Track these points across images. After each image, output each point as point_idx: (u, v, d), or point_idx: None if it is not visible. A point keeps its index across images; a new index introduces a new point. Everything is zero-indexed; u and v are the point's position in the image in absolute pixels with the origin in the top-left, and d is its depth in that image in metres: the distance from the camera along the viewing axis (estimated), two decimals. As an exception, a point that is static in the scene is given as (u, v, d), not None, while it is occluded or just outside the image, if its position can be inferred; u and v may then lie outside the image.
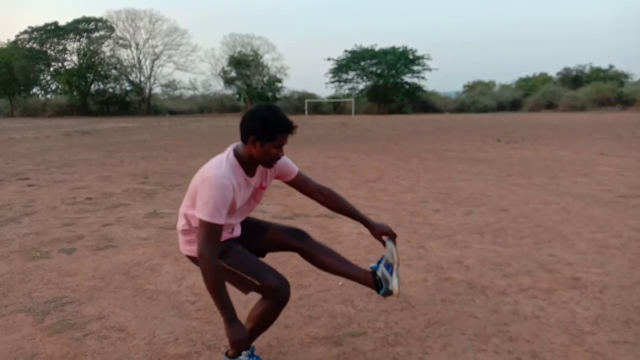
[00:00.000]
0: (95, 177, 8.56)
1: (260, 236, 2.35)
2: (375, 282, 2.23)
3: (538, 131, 20.15)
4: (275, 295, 2.15)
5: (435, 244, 4.34)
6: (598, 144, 13.94)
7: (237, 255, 2.14)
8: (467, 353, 2.46)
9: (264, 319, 2.21)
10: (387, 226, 2.30)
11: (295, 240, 2.31)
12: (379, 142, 15.86)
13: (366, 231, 4.80)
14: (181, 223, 2.22)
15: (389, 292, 2.19)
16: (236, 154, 2.09)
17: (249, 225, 2.35)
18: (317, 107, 54.48)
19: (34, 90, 54.41)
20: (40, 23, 50.74)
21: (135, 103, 52.61)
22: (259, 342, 2.56)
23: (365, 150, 13.11)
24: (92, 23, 50.99)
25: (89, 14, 57.52)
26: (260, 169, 2.18)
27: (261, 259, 2.28)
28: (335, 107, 55.18)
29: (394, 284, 2.17)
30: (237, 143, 2.14)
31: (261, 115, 2.00)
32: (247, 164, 2.10)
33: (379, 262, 2.26)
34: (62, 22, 50.63)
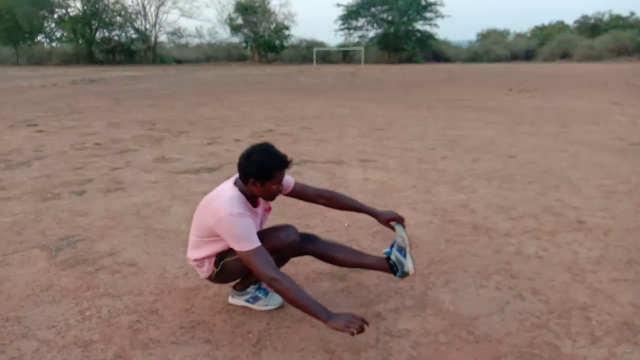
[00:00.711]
0: (104, 123, 8.57)
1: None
2: (391, 267, 2.28)
3: (551, 81, 19.70)
4: (290, 248, 2.26)
5: (442, 189, 4.36)
6: (612, 94, 13.63)
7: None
8: (468, 289, 2.52)
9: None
10: (392, 212, 2.36)
11: (306, 245, 2.33)
12: (388, 92, 15.62)
13: (372, 176, 4.83)
14: (193, 255, 2.27)
15: (405, 274, 2.25)
16: (240, 189, 2.15)
17: (259, 236, 2.34)
18: (326, 56, 53.36)
19: (39, 38, 53.63)
20: (42, -33, 49.17)
21: (141, 52, 51.79)
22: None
23: (374, 100, 12.93)
24: (95, -33, 49.45)
25: (90, -43, 55.60)
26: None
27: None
28: (345, 56, 54.00)
29: (409, 266, 2.23)
30: (236, 177, 2.19)
31: (257, 158, 2.07)
32: (250, 198, 2.17)
33: (392, 247, 2.31)
34: (63, -34, 49.16)
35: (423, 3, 51.66)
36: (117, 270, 2.75)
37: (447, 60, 52.22)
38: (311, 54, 50.23)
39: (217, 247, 2.18)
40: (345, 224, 3.46)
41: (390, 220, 2.35)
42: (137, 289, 2.55)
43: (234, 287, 2.40)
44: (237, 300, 2.39)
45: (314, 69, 35.19)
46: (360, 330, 1.81)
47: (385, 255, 2.32)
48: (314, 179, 4.68)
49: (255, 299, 2.36)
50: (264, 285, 2.44)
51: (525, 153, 5.87)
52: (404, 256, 2.24)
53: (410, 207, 3.85)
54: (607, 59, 44.88)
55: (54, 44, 54.38)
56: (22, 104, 11.93)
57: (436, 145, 6.40)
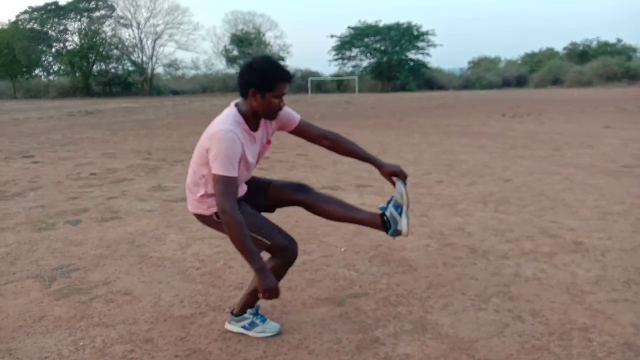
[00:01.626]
0: (99, 154, 8.59)
1: (264, 193, 2.31)
2: (383, 223, 2.18)
3: (543, 106, 19.97)
4: (284, 254, 2.17)
5: (438, 213, 4.36)
6: (603, 118, 13.82)
7: (248, 216, 2.11)
8: (467, 312, 2.49)
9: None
10: (397, 166, 2.23)
11: (297, 194, 2.28)
12: (382, 119, 15.78)
13: (369, 201, 4.84)
14: (190, 178, 2.19)
15: (397, 232, 2.14)
16: (239, 109, 2.07)
17: (252, 183, 2.33)
18: (321, 86, 54.07)
19: (36, 71, 54.22)
20: (41, 2, 50.24)
21: (137, 83, 52.34)
22: (263, 304, 2.59)
23: (369, 127, 13.06)
24: (93, 2, 50.41)
25: (88, -7, 56.76)
26: (263, 123, 2.16)
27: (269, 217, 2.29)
28: (339, 85, 54.73)
29: (403, 224, 2.12)
30: (238, 100, 2.12)
31: (258, 66, 1.99)
32: (250, 118, 2.08)
33: (388, 203, 2.19)
34: (62, 2, 50.17)
35: (415, 33, 52.82)
36: (112, 299, 2.71)
37: (440, 87, 53.00)
38: (306, 83, 50.91)
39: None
40: (342, 249, 3.44)
41: (392, 173, 2.23)
42: (132, 317, 2.51)
43: (231, 312, 2.37)
44: (234, 327, 2.35)
45: (309, 98, 35.58)
46: (267, 298, 2.01)
47: (380, 211, 2.21)
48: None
49: (252, 325, 2.31)
50: (261, 310, 2.41)
51: (519, 176, 5.90)
52: (400, 214, 2.13)
53: (406, 231, 3.84)
54: (596, 85, 45.64)
55: (51, 77, 54.94)
56: (19, 136, 11.97)
57: (431, 170, 6.43)
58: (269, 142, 2.25)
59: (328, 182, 5.80)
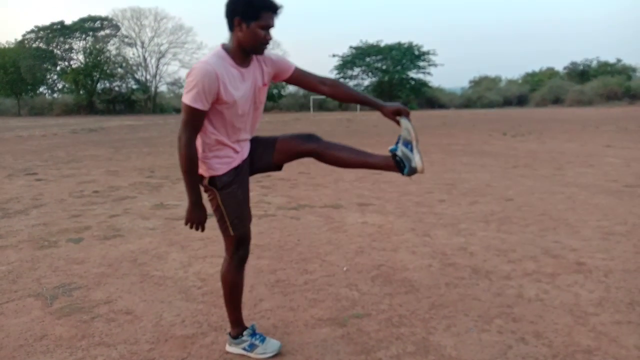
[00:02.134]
0: (102, 171, 8.62)
1: (270, 149, 2.22)
2: (397, 164, 2.13)
3: (544, 125, 20.05)
4: (237, 251, 2.22)
5: (440, 232, 4.35)
6: (604, 137, 13.86)
7: (234, 198, 2.14)
8: (470, 333, 2.48)
9: (227, 281, 2.26)
10: (398, 104, 2.19)
11: (308, 143, 2.18)
12: (384, 137, 15.83)
13: (370, 220, 4.83)
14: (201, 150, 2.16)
15: (412, 170, 2.09)
16: (224, 47, 2.03)
17: (258, 142, 2.26)
18: (323, 104, 54.34)
19: (41, 89, 54.73)
20: (47, 22, 50.97)
21: (141, 101, 52.73)
22: (265, 324, 2.59)
23: (371, 145, 13.10)
24: (98, 22, 51.15)
25: (94, 12, 57.53)
26: (256, 63, 2.10)
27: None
28: (341, 103, 55.00)
29: (416, 160, 2.07)
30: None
31: None
32: (236, 53, 2.01)
33: (397, 143, 2.14)
34: (68, 21, 50.89)
35: (416, 52, 53.34)
36: (113, 319, 2.71)
37: (441, 106, 53.25)
38: (308, 102, 51.25)
39: (211, 136, 2.07)
40: (344, 268, 3.43)
41: (394, 112, 2.18)
42: (133, 337, 2.49)
43: (229, 334, 2.36)
44: (235, 349, 2.34)
45: (311, 116, 35.79)
46: (190, 227, 2.10)
47: (390, 154, 2.16)
48: (313, 224, 4.68)
49: (252, 347, 2.30)
50: (258, 330, 2.41)
51: (521, 196, 5.90)
52: (411, 150, 2.07)
53: (409, 250, 3.84)
54: (597, 104, 45.85)
55: (55, 95, 55.42)
56: (22, 153, 12.03)
57: (433, 189, 6.44)
58: (265, 84, 2.17)
59: (330, 200, 5.81)
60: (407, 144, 2.10)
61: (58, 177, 8.05)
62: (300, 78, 2.25)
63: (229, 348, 2.36)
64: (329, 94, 2.28)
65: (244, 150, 2.18)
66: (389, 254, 3.74)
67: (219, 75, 1.93)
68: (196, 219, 2.08)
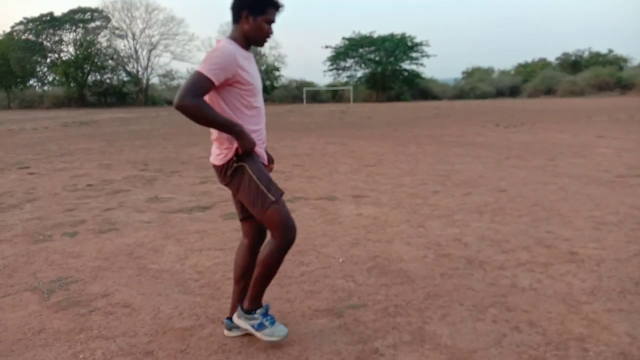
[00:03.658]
0: (95, 165, 8.58)
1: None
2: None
3: (536, 116, 20.15)
4: (285, 225, 2.17)
5: (435, 223, 4.39)
6: (596, 127, 13.96)
7: (260, 165, 2.22)
8: (465, 322, 2.51)
9: (270, 264, 2.23)
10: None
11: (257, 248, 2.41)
12: (377, 129, 15.86)
13: (365, 211, 4.85)
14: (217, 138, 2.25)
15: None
16: (231, 37, 2.18)
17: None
18: (316, 96, 54.30)
19: (31, 82, 54.19)
20: (36, 13, 50.33)
21: (132, 94, 52.39)
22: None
23: (364, 137, 13.12)
24: (88, 13, 50.59)
25: (84, 4, 57.05)
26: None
27: None
28: (334, 95, 54.98)
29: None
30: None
31: None
32: (241, 43, 2.18)
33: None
34: (57, 13, 50.29)
35: (409, 44, 53.24)
36: (111, 312, 2.72)
37: (434, 97, 53.29)
38: (301, 93, 51.14)
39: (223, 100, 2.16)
40: (340, 260, 3.46)
41: None
42: (132, 330, 2.51)
43: (241, 306, 2.35)
44: (242, 323, 2.33)
45: (304, 108, 35.72)
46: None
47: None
48: (308, 216, 4.69)
49: (261, 327, 2.31)
50: (271, 312, 2.43)
51: (514, 187, 5.95)
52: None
53: (404, 241, 3.87)
54: (589, 94, 46.09)
55: (45, 88, 54.89)
56: (14, 147, 11.94)
57: (427, 180, 6.47)
58: None
59: (325, 192, 5.83)
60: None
61: (51, 170, 8.01)
62: None
63: (236, 320, 2.35)
64: None
65: (263, 155, 2.32)
66: (384, 245, 3.77)
67: (238, 58, 2.09)
68: (249, 143, 2.12)
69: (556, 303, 2.72)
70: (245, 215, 2.38)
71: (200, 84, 2.01)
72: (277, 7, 2.17)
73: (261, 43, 2.22)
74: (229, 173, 2.21)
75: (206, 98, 2.12)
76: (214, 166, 2.28)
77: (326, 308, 2.71)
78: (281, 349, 2.29)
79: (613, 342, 2.29)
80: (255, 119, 2.24)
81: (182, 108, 1.99)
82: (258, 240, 2.41)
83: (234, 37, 2.18)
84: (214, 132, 2.23)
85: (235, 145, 2.16)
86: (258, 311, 2.33)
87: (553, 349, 2.25)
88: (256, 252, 2.38)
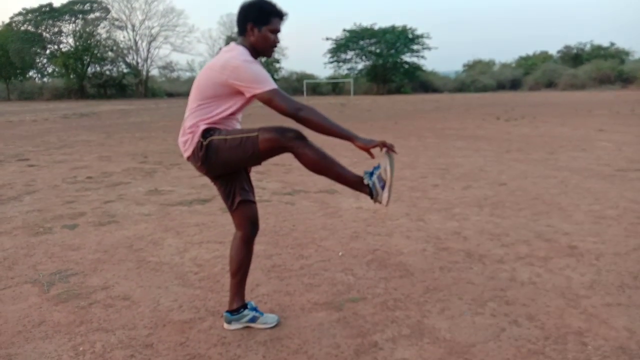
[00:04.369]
0: (95, 157, 8.57)
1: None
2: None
3: (537, 109, 20.11)
4: (281, 138, 2.14)
5: (434, 217, 4.39)
6: (597, 121, 13.93)
7: (227, 129, 2.23)
8: (464, 316, 2.52)
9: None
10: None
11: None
12: (378, 121, 15.84)
13: (365, 205, 4.85)
14: (189, 123, 2.22)
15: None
16: (243, 46, 2.20)
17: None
18: (316, 88, 54.15)
19: (30, 73, 54.00)
20: (35, 4, 50.06)
21: (132, 86, 52.22)
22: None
23: (365, 130, 13.09)
24: (87, 4, 50.26)
25: (83, -5, 56.51)
26: None
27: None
28: (334, 87, 54.85)
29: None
30: (237, 41, 2.24)
31: (256, 2, 2.19)
32: (251, 54, 2.20)
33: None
34: (56, 4, 49.99)
35: (410, 36, 52.99)
36: (111, 304, 2.72)
37: (435, 90, 53.17)
38: (302, 86, 51.00)
39: (219, 108, 2.18)
40: (340, 253, 3.46)
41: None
42: (131, 322, 2.52)
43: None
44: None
45: (305, 101, 35.61)
46: (383, 145, 2.10)
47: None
48: (308, 209, 4.70)
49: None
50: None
51: (514, 180, 5.95)
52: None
53: (403, 235, 3.87)
54: (590, 88, 45.98)
55: (45, 79, 54.71)
56: (13, 139, 11.92)
57: (427, 174, 6.47)
58: None
59: (324, 185, 5.82)
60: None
61: (50, 162, 8.00)
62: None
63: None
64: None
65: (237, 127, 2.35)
66: (384, 239, 3.77)
67: None
68: (371, 141, 2.12)
69: (555, 297, 2.72)
70: (235, 204, 2.35)
71: (283, 94, 2.12)
72: (281, 16, 2.21)
73: (268, 53, 2.25)
74: (202, 154, 2.18)
75: (207, 105, 2.17)
76: (188, 158, 2.27)
77: (325, 301, 2.71)
78: (280, 342, 2.30)
79: (611, 337, 2.30)
80: (233, 122, 2.30)
81: (300, 112, 2.10)
82: (251, 231, 2.41)
83: (243, 46, 2.20)
84: (187, 121, 2.23)
85: (201, 128, 2.17)
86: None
87: (552, 343, 2.25)
88: (250, 244, 2.40)
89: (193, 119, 2.21)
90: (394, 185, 2.25)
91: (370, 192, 2.20)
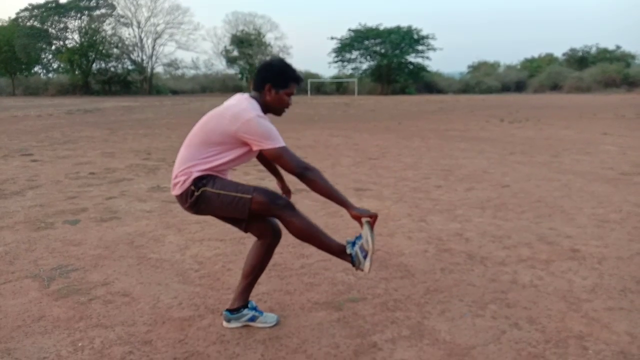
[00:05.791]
0: (98, 153, 8.59)
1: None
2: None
3: (542, 111, 20.03)
4: (277, 204, 2.20)
5: (436, 218, 4.37)
6: (601, 124, 13.87)
7: (222, 180, 2.23)
8: (465, 318, 2.51)
9: (305, 230, 2.25)
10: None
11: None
12: (381, 122, 15.81)
13: (367, 205, 4.82)
14: (186, 164, 2.21)
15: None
16: (253, 98, 2.26)
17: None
18: (320, 88, 54.14)
19: (36, 69, 54.16)
20: (41, 0, 50.08)
21: (137, 82, 52.32)
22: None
23: (368, 130, 13.08)
24: (93, 1, 50.38)
25: (89, -9, 56.64)
26: None
27: None
28: (338, 87, 54.81)
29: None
30: (252, 93, 2.28)
31: (277, 65, 2.28)
32: (262, 109, 2.25)
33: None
34: (62, 0, 50.10)
35: (415, 36, 52.91)
36: (111, 301, 2.72)
37: (439, 91, 53.05)
38: (306, 85, 50.95)
39: (219, 158, 2.20)
40: (341, 253, 3.45)
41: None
42: (131, 319, 2.51)
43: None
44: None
45: (309, 100, 35.63)
46: (375, 217, 2.15)
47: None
48: (310, 208, 4.69)
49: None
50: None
51: (518, 182, 5.92)
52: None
53: (405, 235, 3.86)
54: (595, 91, 45.78)
55: (50, 75, 54.88)
56: (17, 134, 11.96)
57: (430, 175, 6.45)
58: None
59: (327, 185, 5.81)
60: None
61: (54, 158, 8.02)
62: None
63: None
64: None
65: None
66: (385, 239, 3.76)
67: None
68: (366, 211, 2.17)
69: (556, 300, 2.71)
70: (244, 227, 2.37)
71: (292, 153, 2.17)
72: (298, 81, 2.30)
73: (279, 113, 2.33)
74: (192, 200, 2.21)
75: (220, 141, 2.18)
76: (176, 197, 2.28)
77: (325, 301, 2.70)
78: (279, 341, 2.29)
79: (613, 341, 2.28)
80: (227, 171, 2.33)
81: (307, 171, 2.17)
82: (273, 239, 2.42)
83: (256, 100, 2.25)
84: (186, 154, 2.24)
85: (194, 175, 2.19)
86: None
87: (552, 346, 2.24)
88: (271, 251, 2.42)
89: (188, 162, 2.21)
90: (375, 253, 2.35)
91: (352, 261, 2.25)
